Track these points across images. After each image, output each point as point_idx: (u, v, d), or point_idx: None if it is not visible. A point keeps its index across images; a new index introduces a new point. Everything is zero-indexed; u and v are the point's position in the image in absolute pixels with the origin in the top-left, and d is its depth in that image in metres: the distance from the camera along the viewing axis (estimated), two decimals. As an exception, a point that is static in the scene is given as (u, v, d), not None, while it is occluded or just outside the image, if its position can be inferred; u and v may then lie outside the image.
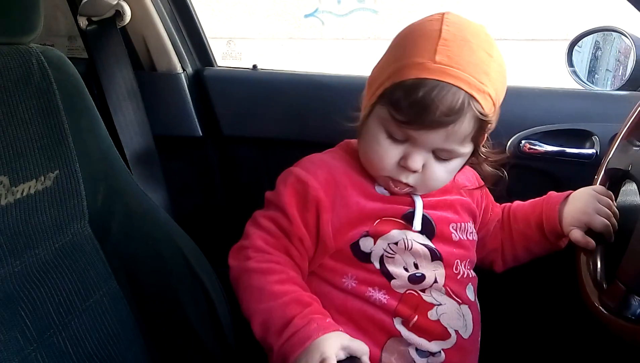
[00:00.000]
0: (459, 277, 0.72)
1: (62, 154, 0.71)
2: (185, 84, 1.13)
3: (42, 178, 0.67)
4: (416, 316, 0.68)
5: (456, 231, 0.73)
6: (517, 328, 1.07)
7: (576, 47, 1.15)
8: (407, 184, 0.69)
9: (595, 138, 0.94)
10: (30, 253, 0.65)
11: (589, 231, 0.72)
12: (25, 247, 0.64)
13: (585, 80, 1.14)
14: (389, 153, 0.66)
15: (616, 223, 0.71)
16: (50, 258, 0.67)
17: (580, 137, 0.96)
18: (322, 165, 0.72)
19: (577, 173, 0.88)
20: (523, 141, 0.97)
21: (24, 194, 0.64)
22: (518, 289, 1.03)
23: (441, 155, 0.66)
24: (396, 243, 0.68)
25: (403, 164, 0.66)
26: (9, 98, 0.65)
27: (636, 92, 1.02)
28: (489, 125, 0.66)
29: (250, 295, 0.65)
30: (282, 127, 1.14)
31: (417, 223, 0.70)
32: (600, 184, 0.77)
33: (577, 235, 0.72)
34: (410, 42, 0.66)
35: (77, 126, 0.75)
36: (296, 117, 1.13)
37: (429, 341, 0.68)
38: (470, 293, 0.73)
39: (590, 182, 0.78)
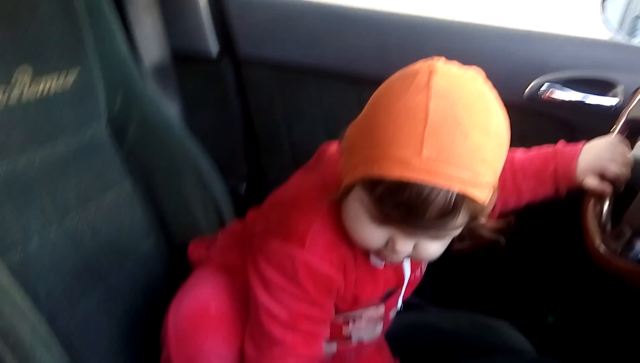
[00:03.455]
0: (392, 316, 0.72)
1: (83, 54, 0.72)
2: (205, -1, 1.10)
3: (65, 72, 0.68)
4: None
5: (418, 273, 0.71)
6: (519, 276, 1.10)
7: (610, -3, 1.11)
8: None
9: (620, 88, 0.92)
10: (51, 146, 0.67)
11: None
12: (45, 140, 0.66)
13: (616, 30, 1.10)
14: (373, 236, 0.57)
15: (629, 173, 0.71)
16: (70, 153, 0.69)
17: (604, 87, 0.94)
18: (332, 248, 0.62)
19: (594, 124, 0.87)
20: (545, 85, 0.96)
21: (46, 87, 0.65)
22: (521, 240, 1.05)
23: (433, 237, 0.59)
24: (361, 316, 0.67)
25: (391, 247, 0.58)
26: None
27: (668, 46, 0.99)
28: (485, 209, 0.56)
29: None
30: (299, 54, 1.12)
31: (400, 304, 0.69)
32: (618, 133, 0.76)
33: (592, 181, 0.71)
34: (391, 122, 0.52)
35: (96, 29, 0.75)
36: (314, 46, 1.11)
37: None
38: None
39: (606, 134, 0.77)
